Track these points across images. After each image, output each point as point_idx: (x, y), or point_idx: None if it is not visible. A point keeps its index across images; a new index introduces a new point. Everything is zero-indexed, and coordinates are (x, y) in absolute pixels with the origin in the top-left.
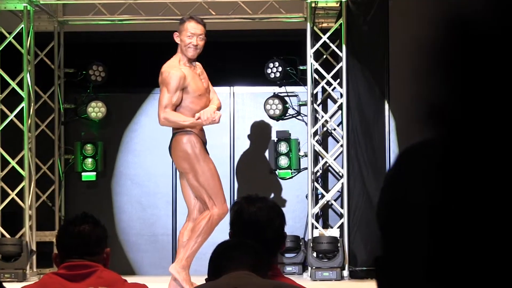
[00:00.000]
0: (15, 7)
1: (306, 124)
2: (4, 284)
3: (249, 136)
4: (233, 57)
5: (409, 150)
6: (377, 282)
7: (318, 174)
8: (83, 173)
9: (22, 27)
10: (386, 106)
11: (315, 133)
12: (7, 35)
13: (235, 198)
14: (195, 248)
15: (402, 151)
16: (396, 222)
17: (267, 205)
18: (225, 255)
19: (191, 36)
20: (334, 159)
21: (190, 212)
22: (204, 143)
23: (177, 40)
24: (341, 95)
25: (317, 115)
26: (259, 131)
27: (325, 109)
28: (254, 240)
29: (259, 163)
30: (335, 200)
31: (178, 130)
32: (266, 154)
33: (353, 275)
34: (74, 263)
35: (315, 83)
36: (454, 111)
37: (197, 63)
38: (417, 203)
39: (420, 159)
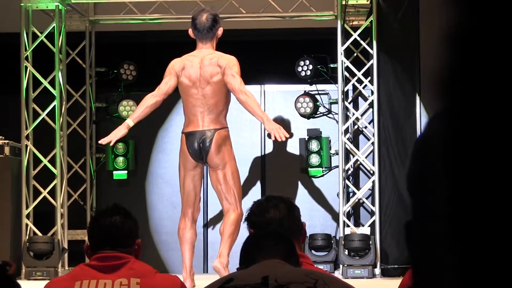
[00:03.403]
0: (47, 7)
1: (337, 122)
2: (36, 282)
3: None
4: (263, 56)
5: (434, 118)
6: (407, 246)
7: (350, 172)
8: (114, 172)
9: (54, 26)
10: (418, 103)
11: (346, 131)
12: (39, 34)
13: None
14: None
15: (430, 119)
16: (425, 187)
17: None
18: (257, 245)
19: None
20: (366, 157)
21: (190, 207)
22: None
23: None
24: (372, 93)
25: (348, 113)
26: (289, 129)
27: (356, 107)
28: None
29: (290, 161)
30: (366, 198)
31: (222, 127)
32: (297, 152)
33: (385, 273)
34: (105, 255)
35: (346, 81)
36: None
37: None
38: (443, 167)
39: (443, 126)
